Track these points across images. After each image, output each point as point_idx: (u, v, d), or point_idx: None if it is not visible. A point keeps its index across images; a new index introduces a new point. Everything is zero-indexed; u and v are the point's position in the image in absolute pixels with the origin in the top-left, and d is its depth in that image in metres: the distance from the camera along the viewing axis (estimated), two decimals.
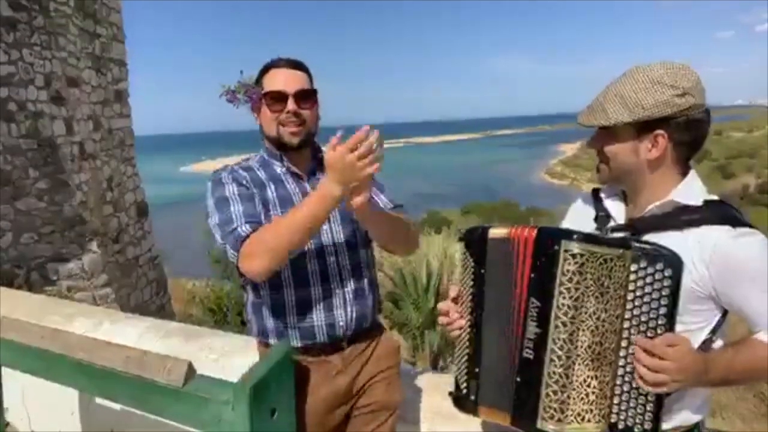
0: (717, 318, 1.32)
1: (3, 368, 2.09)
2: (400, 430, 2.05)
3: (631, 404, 1.22)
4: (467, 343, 1.43)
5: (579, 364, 1.22)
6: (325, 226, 1.68)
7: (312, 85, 1.75)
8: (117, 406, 2.33)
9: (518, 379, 1.28)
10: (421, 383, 2.19)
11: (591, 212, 1.52)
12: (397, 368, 1.86)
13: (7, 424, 3.01)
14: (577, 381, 1.22)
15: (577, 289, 1.21)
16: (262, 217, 1.64)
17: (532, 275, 1.27)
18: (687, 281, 1.26)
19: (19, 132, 6.13)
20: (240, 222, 1.59)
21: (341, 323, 1.70)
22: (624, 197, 1.49)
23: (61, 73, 6.62)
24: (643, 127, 1.33)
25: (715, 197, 1.38)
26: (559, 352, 1.22)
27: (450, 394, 1.47)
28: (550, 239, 1.25)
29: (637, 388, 1.22)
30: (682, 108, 1.30)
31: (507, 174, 69.74)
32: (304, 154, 1.77)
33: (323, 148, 1.83)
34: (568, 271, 1.21)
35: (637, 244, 1.23)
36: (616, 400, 1.23)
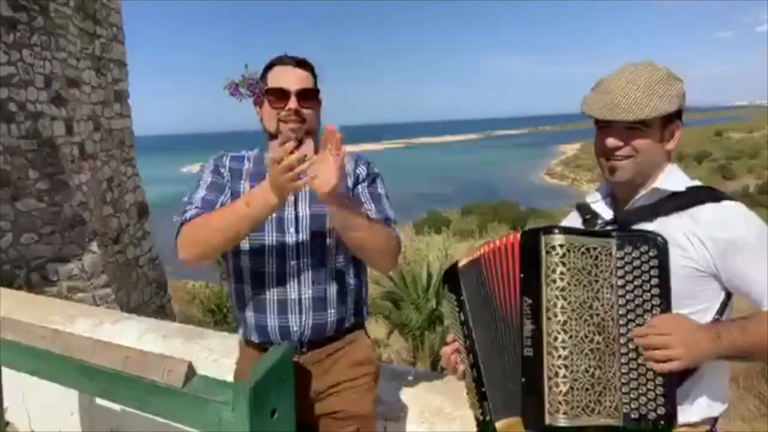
0: (721, 298, 1.33)
1: (3, 368, 2.09)
2: (399, 430, 2.05)
3: (641, 391, 1.21)
4: (470, 369, 1.43)
5: (578, 355, 1.22)
6: (291, 228, 1.67)
7: (316, 85, 1.75)
8: (117, 407, 2.33)
9: (523, 380, 1.27)
10: (421, 384, 2.20)
11: (576, 221, 1.54)
12: (370, 378, 1.77)
13: (7, 423, 3.01)
14: (578, 372, 1.21)
15: (562, 279, 1.22)
16: (226, 201, 1.67)
17: (522, 275, 1.28)
18: (687, 262, 1.28)
19: (19, 132, 6.14)
20: (193, 206, 1.66)
21: (295, 329, 1.68)
22: (613, 199, 1.49)
23: (61, 73, 6.62)
24: (667, 120, 1.37)
25: (698, 183, 1.41)
26: (555, 344, 1.22)
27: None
28: (532, 237, 1.28)
29: (645, 374, 1.21)
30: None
31: (507, 174, 69.71)
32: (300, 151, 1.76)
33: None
34: (551, 263, 1.23)
35: (621, 233, 1.26)
36: (624, 390, 1.22)
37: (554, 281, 1.23)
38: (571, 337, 1.22)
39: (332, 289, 1.70)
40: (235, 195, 1.71)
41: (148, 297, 8.30)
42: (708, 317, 1.32)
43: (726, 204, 1.32)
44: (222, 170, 1.76)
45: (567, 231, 1.27)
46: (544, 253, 1.24)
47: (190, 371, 1.48)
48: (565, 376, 1.22)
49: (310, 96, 1.70)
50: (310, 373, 1.70)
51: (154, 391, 1.49)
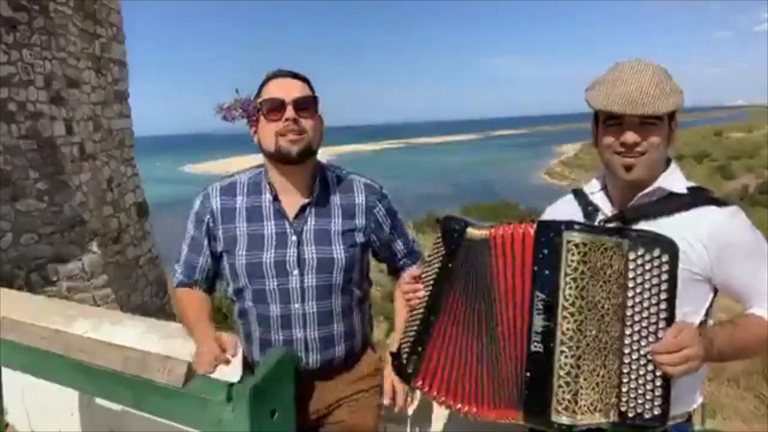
0: (710, 299, 1.36)
1: (3, 368, 2.09)
2: (398, 430, 2.05)
3: (640, 391, 1.22)
4: (419, 323, 1.43)
5: (588, 354, 1.22)
6: (295, 271, 1.61)
7: (313, 94, 1.64)
8: (117, 406, 2.32)
9: (528, 374, 1.26)
10: None
11: (576, 210, 1.52)
12: (373, 392, 1.75)
13: (7, 424, 3.01)
14: (587, 371, 1.22)
15: (582, 279, 1.21)
16: (205, 262, 1.73)
17: (535, 268, 1.25)
18: (687, 266, 1.28)
19: (19, 132, 6.14)
20: (180, 272, 1.78)
21: (303, 363, 1.65)
22: (606, 194, 1.49)
23: (61, 73, 6.62)
24: (670, 117, 1.37)
25: (695, 184, 1.41)
26: (570, 343, 1.22)
27: (391, 354, 1.51)
28: (551, 231, 1.24)
29: (645, 375, 1.21)
30: None
31: (507, 174, 69.64)
32: (303, 174, 1.65)
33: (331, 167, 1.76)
34: (572, 261, 1.21)
35: (634, 233, 1.24)
36: (624, 389, 1.23)
37: (574, 280, 1.22)
38: (585, 336, 1.22)
39: (340, 327, 1.68)
40: (230, 240, 1.65)
41: (148, 297, 8.30)
42: (697, 318, 1.34)
43: (728, 209, 1.33)
44: (207, 219, 1.68)
45: (587, 229, 1.24)
46: (565, 250, 1.22)
47: (190, 371, 1.48)
48: (576, 376, 1.22)
49: (307, 105, 1.59)
50: (314, 387, 1.70)
51: (154, 392, 1.49)
